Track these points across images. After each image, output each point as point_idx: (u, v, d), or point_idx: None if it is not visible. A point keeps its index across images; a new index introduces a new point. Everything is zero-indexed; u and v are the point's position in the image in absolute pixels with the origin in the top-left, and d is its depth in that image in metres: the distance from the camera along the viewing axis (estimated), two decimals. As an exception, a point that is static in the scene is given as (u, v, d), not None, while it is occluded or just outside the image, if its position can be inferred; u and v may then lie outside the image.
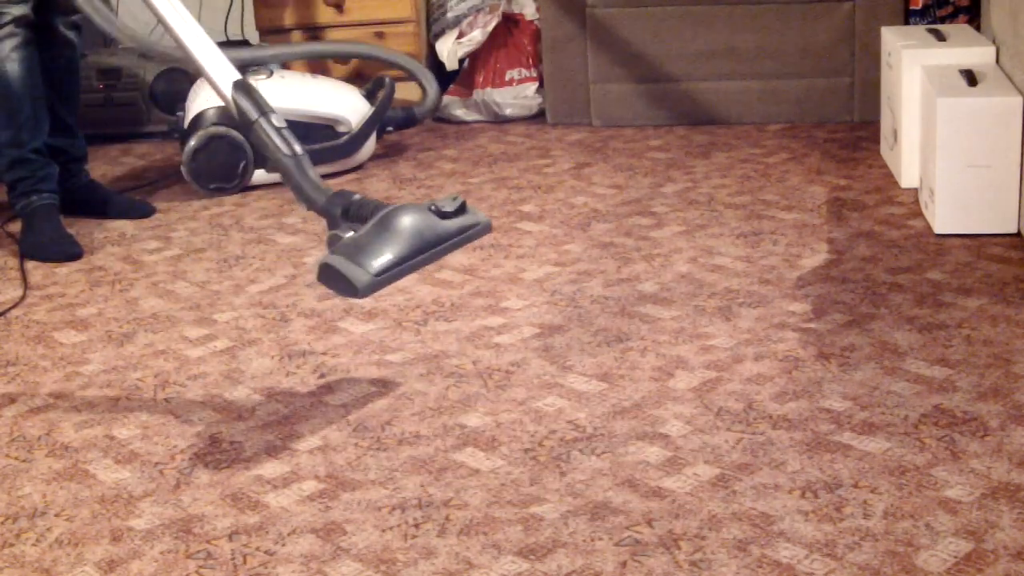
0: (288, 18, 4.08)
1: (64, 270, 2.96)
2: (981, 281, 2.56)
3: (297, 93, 3.55)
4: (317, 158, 3.39)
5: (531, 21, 4.10)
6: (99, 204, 3.31)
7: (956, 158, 2.75)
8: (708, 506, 1.82)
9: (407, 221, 2.08)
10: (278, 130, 2.24)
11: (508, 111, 4.07)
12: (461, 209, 2.11)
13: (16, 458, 2.10)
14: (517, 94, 4.07)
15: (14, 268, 3.00)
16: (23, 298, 2.81)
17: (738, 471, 1.91)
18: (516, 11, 4.12)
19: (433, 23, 4.18)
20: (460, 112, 4.08)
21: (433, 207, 2.10)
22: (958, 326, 2.36)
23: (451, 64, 4.11)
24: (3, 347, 2.56)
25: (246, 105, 2.22)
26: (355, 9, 4.03)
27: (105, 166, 3.82)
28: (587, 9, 3.85)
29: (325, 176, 3.10)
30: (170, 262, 2.98)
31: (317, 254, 2.97)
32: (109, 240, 3.16)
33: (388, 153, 3.81)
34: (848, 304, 2.49)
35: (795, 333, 2.38)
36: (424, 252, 2.07)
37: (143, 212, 3.33)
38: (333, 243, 2.11)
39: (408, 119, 3.70)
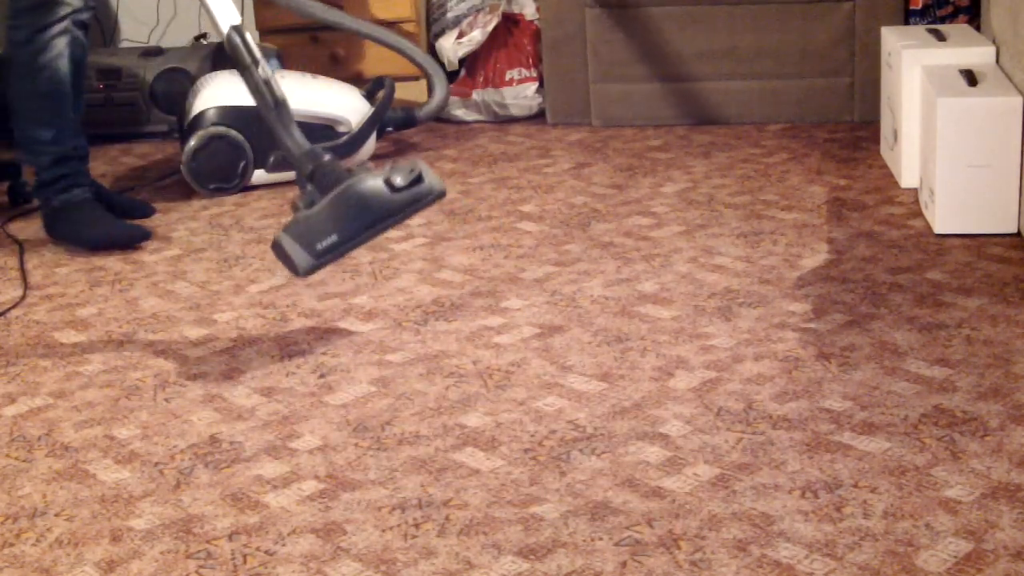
0: (288, 18, 4.08)
1: (64, 270, 2.96)
2: (981, 281, 2.56)
3: (297, 93, 3.52)
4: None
5: (531, 21, 4.10)
6: (102, 203, 3.26)
7: (956, 158, 2.75)
8: (708, 506, 1.82)
9: (358, 198, 2.22)
10: (264, 81, 2.35)
11: (508, 111, 4.07)
12: (416, 180, 2.21)
13: (16, 458, 2.10)
14: (517, 94, 4.07)
15: (14, 268, 3.00)
16: (23, 298, 2.81)
17: (738, 471, 1.91)
18: (516, 11, 4.12)
19: (433, 23, 4.18)
20: (460, 112, 4.08)
21: (388, 180, 2.21)
22: (958, 326, 2.36)
23: (451, 64, 4.11)
24: (3, 347, 2.56)
25: (239, 50, 2.32)
26: (355, 9, 4.03)
27: (105, 166, 3.82)
28: (587, 9, 3.85)
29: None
30: (170, 262, 2.98)
31: (317, 254, 2.98)
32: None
33: (388, 153, 3.81)
34: (848, 304, 2.49)
35: (795, 333, 2.38)
36: (372, 227, 2.24)
37: (144, 212, 3.31)
38: (293, 209, 2.26)
39: (408, 120, 3.68)
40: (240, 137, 3.38)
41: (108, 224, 3.07)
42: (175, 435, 2.14)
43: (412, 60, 3.32)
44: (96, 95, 4.02)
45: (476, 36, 4.05)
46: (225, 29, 2.37)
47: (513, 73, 4.08)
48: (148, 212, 3.32)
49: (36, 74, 2.92)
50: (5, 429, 2.20)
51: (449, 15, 4.18)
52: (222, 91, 3.43)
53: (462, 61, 4.13)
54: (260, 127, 3.21)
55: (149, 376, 2.38)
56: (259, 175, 3.47)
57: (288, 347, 2.47)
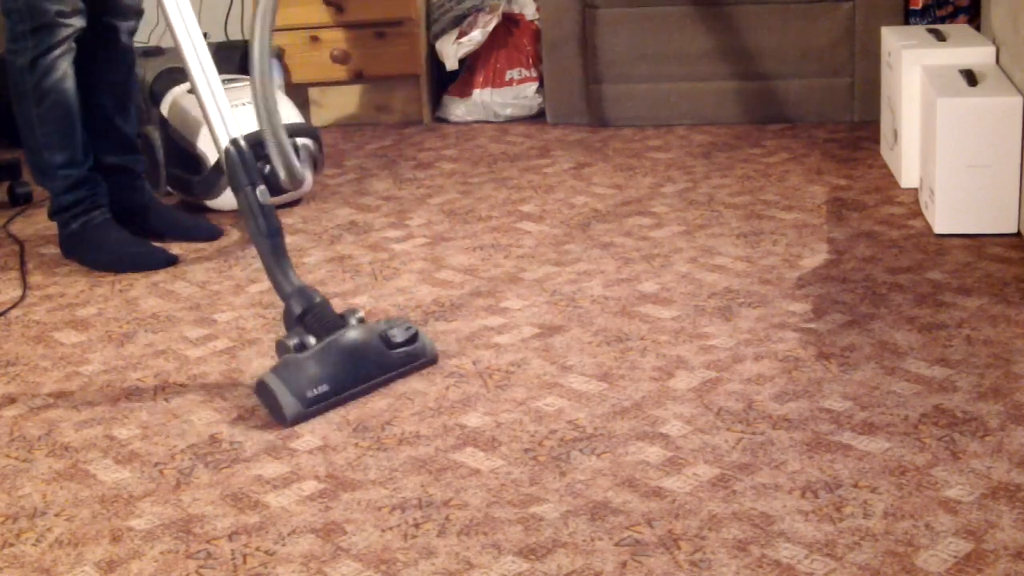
0: (288, 18, 4.08)
1: (64, 270, 2.96)
2: (981, 281, 2.56)
3: (192, 112, 3.31)
4: (183, 188, 3.32)
5: (531, 21, 4.10)
6: (161, 224, 3.12)
7: (956, 158, 2.75)
8: (708, 506, 1.82)
9: (353, 353, 2.18)
10: (261, 206, 2.28)
11: (508, 111, 4.07)
12: (412, 338, 2.19)
13: (16, 458, 2.10)
14: (517, 94, 4.07)
15: (14, 268, 3.00)
16: (23, 298, 2.81)
17: (738, 471, 1.91)
18: (516, 11, 4.12)
19: (433, 23, 4.18)
20: (460, 112, 4.08)
21: (384, 335, 2.18)
22: (958, 326, 2.36)
23: (451, 64, 4.11)
24: (3, 347, 2.56)
25: (237, 168, 2.26)
26: (355, 9, 4.03)
27: (105, 166, 3.82)
28: (587, 9, 3.85)
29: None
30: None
31: (317, 254, 2.98)
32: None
33: (388, 154, 3.81)
34: (848, 304, 2.49)
35: (795, 333, 2.38)
36: (364, 382, 2.19)
37: (210, 234, 3.12)
38: (280, 350, 2.21)
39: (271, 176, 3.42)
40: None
41: (130, 246, 2.95)
42: (175, 435, 2.14)
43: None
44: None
45: (476, 36, 4.05)
46: (224, 142, 2.28)
47: (513, 73, 4.08)
48: (215, 234, 3.12)
49: (42, 99, 2.83)
50: (5, 429, 2.20)
51: (449, 15, 4.18)
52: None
53: (462, 61, 4.13)
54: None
55: (149, 376, 2.38)
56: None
57: (288, 347, 2.46)
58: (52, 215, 2.99)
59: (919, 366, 2.21)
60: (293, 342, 2.19)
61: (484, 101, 4.07)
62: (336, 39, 4.07)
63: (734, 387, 2.18)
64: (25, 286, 2.88)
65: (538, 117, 4.07)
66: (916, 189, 3.13)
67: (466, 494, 1.90)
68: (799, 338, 2.36)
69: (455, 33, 4.11)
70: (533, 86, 4.06)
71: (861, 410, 2.07)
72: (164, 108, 3.37)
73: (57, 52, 2.80)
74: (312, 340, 2.20)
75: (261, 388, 2.15)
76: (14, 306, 2.77)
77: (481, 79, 4.08)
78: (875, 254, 2.74)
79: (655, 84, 3.87)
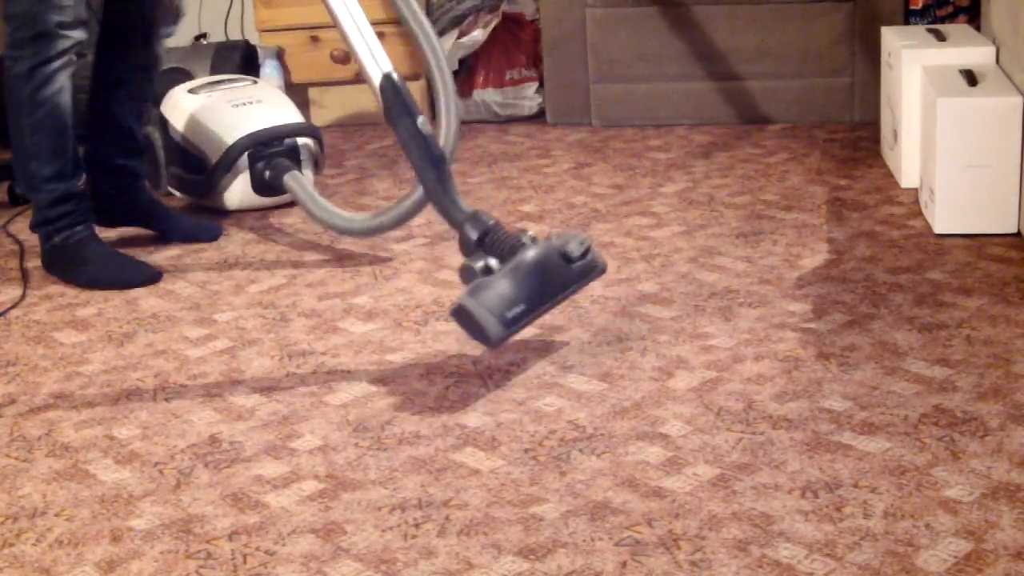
0: (288, 18, 4.08)
1: (64, 270, 2.96)
2: (981, 281, 2.56)
3: (193, 112, 3.32)
4: (184, 188, 3.33)
5: (531, 21, 4.10)
6: (159, 225, 3.11)
7: (956, 158, 2.75)
8: (708, 506, 1.82)
9: (540, 268, 2.15)
10: (422, 135, 2.26)
11: (508, 111, 4.07)
12: (586, 251, 2.17)
13: (16, 458, 2.10)
14: (517, 94, 4.07)
15: (14, 268, 3.00)
16: (23, 298, 2.81)
17: (738, 471, 1.91)
18: (516, 11, 4.12)
19: (433, 23, 4.18)
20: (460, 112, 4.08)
21: (563, 251, 2.17)
22: (958, 326, 2.36)
23: (451, 64, 4.11)
24: (3, 347, 2.56)
25: (393, 102, 2.24)
26: (355, 9, 4.02)
27: (105, 166, 3.82)
28: (587, 9, 3.85)
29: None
30: (170, 262, 2.98)
31: (316, 255, 2.97)
32: (109, 240, 3.15)
33: (388, 154, 3.81)
34: (848, 304, 2.49)
35: (795, 333, 2.38)
36: (551, 300, 2.19)
37: (212, 235, 3.12)
38: (467, 275, 2.18)
39: (274, 177, 3.18)
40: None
41: (112, 262, 2.90)
42: (175, 435, 2.14)
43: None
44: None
45: (476, 36, 4.05)
46: (377, 78, 2.26)
47: (513, 73, 4.08)
48: (216, 234, 3.12)
49: (36, 109, 2.76)
50: (5, 429, 2.20)
51: (449, 15, 4.18)
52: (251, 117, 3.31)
53: (462, 61, 4.13)
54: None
55: (149, 376, 2.38)
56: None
57: (288, 347, 2.47)
58: (34, 227, 2.92)
59: (919, 366, 2.21)
60: (478, 265, 2.17)
61: (484, 101, 4.07)
62: (336, 39, 4.07)
63: (734, 387, 2.18)
64: (25, 286, 2.88)
65: (538, 117, 4.07)
66: (916, 189, 3.13)
67: (466, 494, 1.90)
68: (799, 338, 2.36)
69: (455, 33, 4.11)
70: (533, 86, 4.06)
71: (861, 410, 2.07)
72: (164, 108, 3.37)
73: (56, 64, 2.75)
74: (494, 262, 2.18)
75: (460, 312, 2.11)
76: (14, 306, 2.77)
77: (481, 79, 4.08)
78: (875, 254, 2.74)
79: (655, 84, 3.87)
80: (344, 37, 2.29)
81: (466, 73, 4.12)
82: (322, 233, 3.12)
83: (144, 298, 2.77)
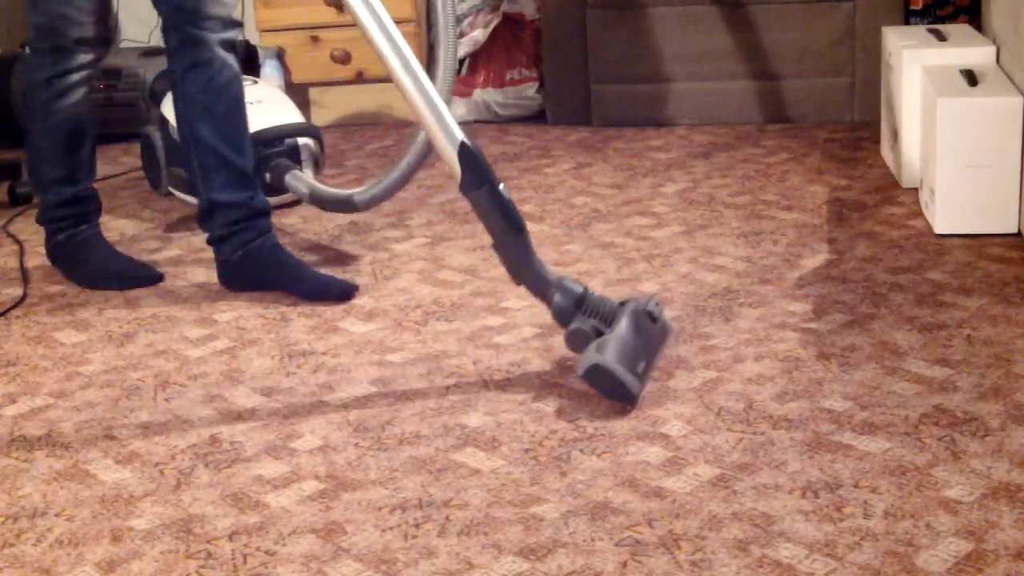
0: (288, 18, 4.08)
1: (64, 270, 2.96)
2: (981, 281, 2.56)
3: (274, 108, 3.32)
4: (185, 190, 3.26)
5: (531, 21, 4.10)
6: (284, 277, 2.73)
7: (956, 158, 2.75)
8: (708, 506, 1.82)
9: (642, 328, 2.18)
10: (505, 203, 2.20)
11: (508, 111, 4.07)
12: (660, 312, 2.22)
13: (16, 458, 2.10)
14: (517, 94, 4.07)
15: (14, 268, 3.00)
16: (23, 298, 2.81)
17: (738, 471, 1.91)
18: (516, 11, 4.12)
19: (433, 23, 4.18)
20: (460, 112, 4.08)
21: (647, 311, 2.19)
22: (958, 326, 2.36)
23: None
24: (3, 347, 2.56)
25: (472, 170, 2.18)
26: (355, 9, 4.02)
27: (105, 166, 3.82)
28: (587, 9, 3.85)
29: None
30: (170, 262, 2.98)
31: (316, 255, 2.97)
32: (109, 240, 3.15)
33: (388, 154, 3.81)
34: (848, 304, 2.49)
35: (795, 333, 2.38)
36: (655, 355, 2.21)
37: (343, 293, 2.69)
38: (579, 338, 2.17)
39: (276, 177, 3.12)
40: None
41: (112, 264, 2.87)
42: (175, 435, 2.14)
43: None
44: (96, 95, 4.01)
45: (476, 36, 4.05)
46: (453, 148, 2.17)
47: (513, 73, 4.08)
48: (349, 293, 2.69)
49: (50, 116, 2.75)
50: (5, 429, 2.20)
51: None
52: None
53: (462, 61, 4.13)
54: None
55: (149, 376, 2.38)
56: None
57: (288, 347, 2.47)
58: (40, 221, 2.92)
59: (919, 366, 2.21)
60: (587, 326, 2.17)
61: (484, 101, 4.06)
62: (336, 39, 4.07)
63: (734, 387, 2.18)
64: (25, 286, 2.88)
65: (538, 117, 4.07)
66: (916, 189, 3.13)
67: (466, 494, 1.90)
68: (799, 338, 2.36)
69: (455, 33, 4.11)
70: (533, 86, 4.06)
71: (861, 410, 2.07)
72: (165, 108, 3.37)
73: (75, 78, 2.73)
74: (600, 324, 2.18)
75: (596, 371, 2.10)
76: (14, 306, 2.77)
77: (481, 79, 4.08)
78: (875, 254, 2.74)
79: (655, 84, 3.87)
80: (414, 107, 2.21)
81: (466, 73, 4.12)
82: (322, 233, 3.12)
83: (144, 298, 2.77)
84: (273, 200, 3.27)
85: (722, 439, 2.01)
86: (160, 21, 2.70)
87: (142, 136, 3.51)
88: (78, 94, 2.75)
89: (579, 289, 2.21)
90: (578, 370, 2.12)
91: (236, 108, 2.72)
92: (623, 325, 2.16)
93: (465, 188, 2.20)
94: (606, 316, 2.19)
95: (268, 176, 3.15)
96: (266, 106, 3.31)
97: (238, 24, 2.72)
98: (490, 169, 2.20)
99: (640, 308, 2.19)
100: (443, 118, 2.21)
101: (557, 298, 2.21)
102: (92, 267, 2.86)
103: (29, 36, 2.76)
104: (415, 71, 2.21)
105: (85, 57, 2.73)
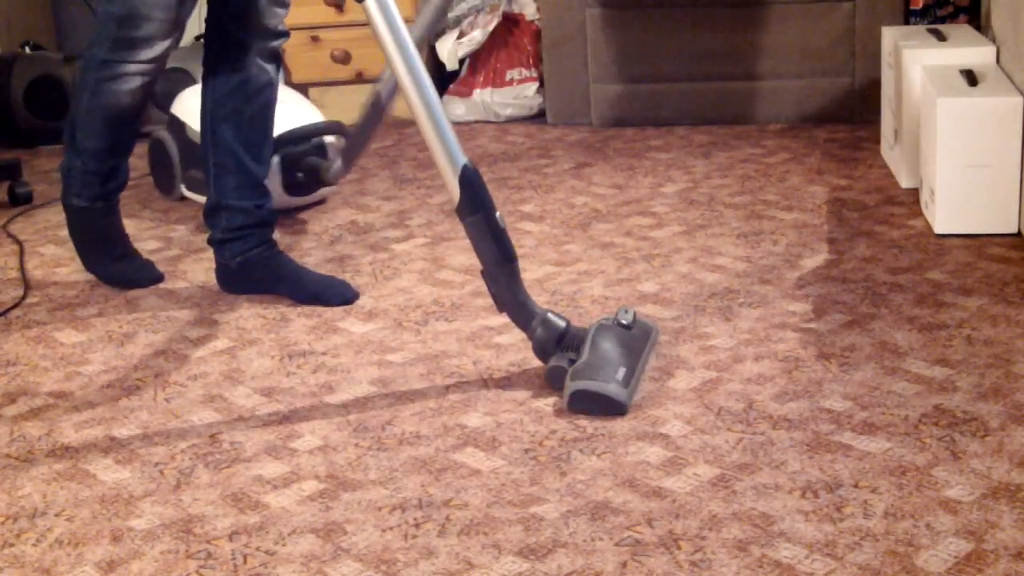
0: (288, 18, 4.07)
1: (64, 270, 2.96)
2: (981, 281, 2.56)
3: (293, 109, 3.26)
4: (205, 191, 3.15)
5: (531, 21, 4.10)
6: (288, 283, 2.70)
7: (956, 158, 2.75)
8: (708, 506, 1.82)
9: (612, 338, 2.19)
10: (499, 232, 2.21)
11: (508, 111, 4.07)
12: (634, 318, 2.24)
13: (16, 458, 2.10)
14: (517, 94, 4.07)
15: (14, 268, 3.00)
16: (23, 298, 2.81)
17: (738, 471, 1.91)
18: (516, 11, 4.12)
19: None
20: (460, 112, 4.08)
21: (618, 322, 2.21)
22: (958, 326, 2.36)
23: (451, 64, 4.11)
24: (3, 347, 2.56)
25: (471, 194, 2.18)
26: (355, 9, 4.02)
27: (105, 166, 3.82)
28: (587, 9, 3.85)
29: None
30: (170, 262, 2.98)
31: (317, 254, 2.97)
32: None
33: (388, 154, 3.81)
34: (848, 304, 2.49)
35: (795, 333, 2.38)
36: (638, 359, 2.21)
37: (345, 296, 2.68)
38: (557, 375, 2.19)
39: (311, 173, 3.13)
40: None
41: (117, 260, 2.82)
42: (175, 435, 2.14)
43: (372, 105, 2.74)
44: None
45: (476, 36, 4.05)
46: (456, 171, 2.19)
47: (513, 73, 4.08)
48: (352, 296, 2.69)
49: (98, 95, 2.62)
50: (5, 429, 2.20)
51: (449, 15, 4.18)
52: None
53: (462, 61, 4.13)
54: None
55: (149, 376, 2.38)
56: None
57: (288, 347, 2.47)
58: (65, 196, 2.79)
59: (919, 366, 2.21)
60: (564, 362, 2.18)
61: (484, 101, 4.07)
62: (336, 39, 4.07)
63: (734, 387, 2.18)
64: (25, 286, 2.88)
65: (538, 117, 4.07)
66: (916, 189, 3.13)
67: (466, 494, 1.90)
68: (799, 338, 2.36)
69: (455, 33, 4.11)
70: (533, 86, 4.06)
71: (861, 410, 2.07)
72: (178, 110, 3.34)
73: (133, 68, 2.60)
74: (575, 356, 2.19)
75: (577, 397, 2.11)
76: (14, 306, 2.77)
77: (481, 79, 4.08)
78: (875, 254, 2.74)
79: (655, 84, 3.87)
80: (421, 123, 2.21)
81: (466, 73, 4.12)
82: (322, 233, 3.12)
83: (144, 298, 2.77)
84: (302, 200, 3.23)
85: (722, 439, 2.01)
86: (204, 17, 2.65)
87: (151, 139, 3.48)
88: (135, 84, 2.61)
89: (562, 325, 2.22)
90: (565, 406, 2.13)
91: (263, 115, 2.71)
92: (587, 345, 2.18)
93: (461, 213, 2.20)
94: (579, 345, 2.20)
95: (299, 175, 3.12)
96: (288, 105, 3.26)
97: (285, 34, 2.70)
98: (488, 197, 2.21)
99: (606, 323, 2.23)
100: (448, 139, 2.21)
101: (539, 332, 2.22)
102: (99, 262, 2.83)
103: (97, 20, 2.63)
104: (425, 87, 2.20)
105: (151, 52, 2.58)
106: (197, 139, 3.16)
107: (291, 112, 3.25)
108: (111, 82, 2.61)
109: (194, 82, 3.65)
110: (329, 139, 3.24)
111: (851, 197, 3.13)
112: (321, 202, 3.32)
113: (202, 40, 4.30)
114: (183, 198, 3.38)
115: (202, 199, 3.27)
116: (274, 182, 3.09)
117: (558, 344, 2.21)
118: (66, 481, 2.01)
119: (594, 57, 3.87)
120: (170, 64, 3.97)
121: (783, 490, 1.85)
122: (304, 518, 1.86)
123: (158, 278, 2.86)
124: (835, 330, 2.38)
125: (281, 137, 3.10)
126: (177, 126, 3.33)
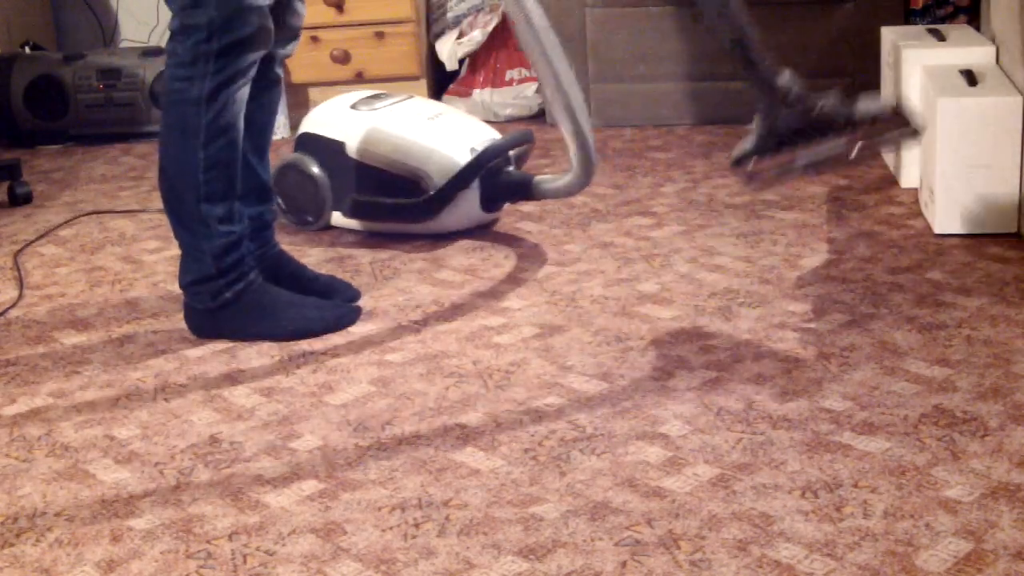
0: (288, 18, 4.07)
1: (64, 270, 2.96)
2: (981, 281, 2.56)
3: (391, 130, 3.01)
4: (387, 215, 3.00)
5: (531, 21, 4.10)
6: (290, 281, 2.62)
7: (956, 158, 2.75)
8: (708, 506, 1.82)
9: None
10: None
11: (508, 111, 4.07)
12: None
13: (16, 458, 2.10)
14: (517, 94, 4.07)
15: (14, 268, 3.00)
16: (23, 298, 2.81)
17: (738, 471, 1.91)
18: (516, 11, 4.12)
19: (433, 23, 4.19)
20: (460, 112, 4.08)
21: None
22: (958, 326, 2.36)
23: (451, 64, 4.11)
24: (3, 347, 2.56)
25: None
26: (355, 9, 4.03)
27: (105, 166, 3.83)
28: (587, 9, 3.85)
29: (378, 235, 3.08)
30: (170, 262, 2.98)
31: (317, 254, 2.97)
32: (109, 240, 3.16)
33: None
34: (848, 304, 2.49)
35: (795, 333, 2.38)
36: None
37: (348, 296, 2.64)
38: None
39: (521, 187, 2.91)
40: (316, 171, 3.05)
41: (308, 306, 2.54)
42: (175, 435, 2.14)
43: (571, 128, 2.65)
44: (96, 95, 4.03)
45: (476, 36, 4.05)
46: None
47: (513, 73, 4.08)
48: (354, 296, 2.65)
49: (215, 138, 2.33)
50: (5, 429, 2.20)
51: (449, 15, 4.18)
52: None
53: (462, 61, 4.13)
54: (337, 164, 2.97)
55: (149, 376, 2.38)
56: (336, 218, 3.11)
57: (288, 347, 2.47)
58: (196, 283, 2.46)
59: (919, 366, 2.21)
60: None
61: (484, 101, 4.07)
62: (336, 39, 4.07)
63: (734, 387, 2.18)
64: (25, 286, 2.88)
65: (538, 117, 4.07)
66: (916, 189, 3.13)
67: (466, 494, 1.90)
68: (799, 338, 2.36)
69: (455, 33, 4.11)
70: (533, 86, 4.06)
71: (861, 410, 2.07)
72: (323, 128, 3.06)
73: (242, 80, 2.31)
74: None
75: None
76: (14, 306, 2.77)
77: (481, 79, 4.08)
78: (875, 254, 2.75)
79: (655, 84, 3.87)
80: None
81: (466, 73, 4.12)
82: (322, 234, 3.12)
83: (144, 298, 2.77)
84: (489, 217, 3.06)
85: (722, 439, 2.01)
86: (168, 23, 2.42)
87: (284, 167, 3.09)
88: (241, 100, 2.35)
89: (792, 87, 2.43)
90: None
91: (272, 122, 2.61)
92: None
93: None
94: (806, 107, 2.46)
95: (496, 190, 2.96)
96: (456, 117, 3.11)
97: (298, 36, 2.58)
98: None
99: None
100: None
101: (777, 91, 2.49)
102: (289, 317, 2.49)
103: (182, 47, 2.30)
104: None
105: (260, 53, 2.34)
106: (374, 160, 2.98)
107: (473, 126, 3.09)
108: (226, 111, 2.34)
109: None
110: (518, 150, 3.01)
111: (851, 197, 3.13)
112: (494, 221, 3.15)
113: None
114: (327, 226, 3.11)
115: (354, 224, 3.07)
116: (471, 198, 2.96)
117: (784, 100, 2.46)
118: (66, 481, 2.01)
119: (594, 57, 3.87)
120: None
121: (783, 490, 1.85)
122: (304, 518, 1.86)
123: (358, 312, 2.60)
124: (835, 330, 2.38)
125: (486, 152, 2.91)
126: (324, 146, 3.05)
